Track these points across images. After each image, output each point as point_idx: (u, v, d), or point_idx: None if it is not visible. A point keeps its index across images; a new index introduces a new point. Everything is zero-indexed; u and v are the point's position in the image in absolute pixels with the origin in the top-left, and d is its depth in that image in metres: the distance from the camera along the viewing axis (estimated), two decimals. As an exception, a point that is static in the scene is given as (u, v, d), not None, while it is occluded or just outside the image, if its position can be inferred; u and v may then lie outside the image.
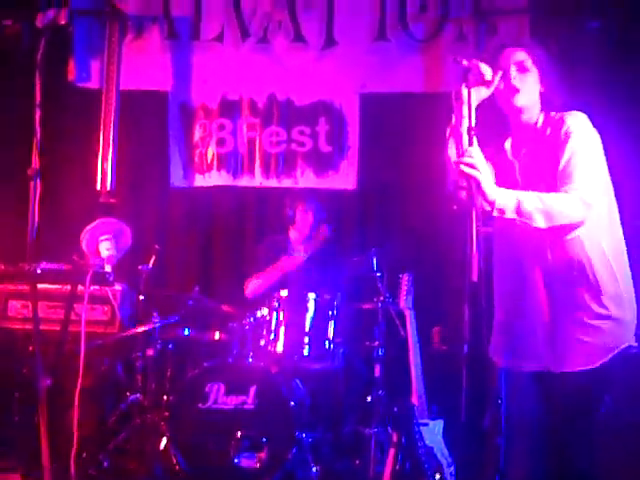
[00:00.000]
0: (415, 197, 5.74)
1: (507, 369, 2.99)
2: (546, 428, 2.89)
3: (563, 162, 2.83)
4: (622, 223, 2.96)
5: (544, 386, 2.92)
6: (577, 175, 2.80)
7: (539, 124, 2.97)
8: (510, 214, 2.74)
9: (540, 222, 2.75)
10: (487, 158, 2.79)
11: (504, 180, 2.94)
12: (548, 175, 2.87)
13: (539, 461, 2.91)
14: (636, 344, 2.88)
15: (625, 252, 2.94)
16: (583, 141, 2.86)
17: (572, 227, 2.83)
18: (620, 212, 2.96)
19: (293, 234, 5.55)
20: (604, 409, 4.27)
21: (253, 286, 5.39)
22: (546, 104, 2.97)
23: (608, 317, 2.82)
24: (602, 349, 2.82)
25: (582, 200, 2.77)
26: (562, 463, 2.85)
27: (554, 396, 2.89)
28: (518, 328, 2.95)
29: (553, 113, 2.95)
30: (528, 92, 2.93)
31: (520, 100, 2.93)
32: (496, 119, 3.00)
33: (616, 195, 2.96)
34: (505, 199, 2.73)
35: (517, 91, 2.91)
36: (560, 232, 2.83)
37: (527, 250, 2.92)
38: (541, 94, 2.97)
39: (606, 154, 2.94)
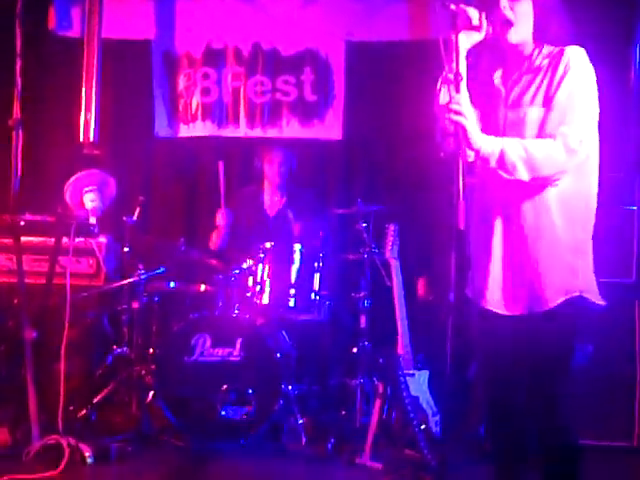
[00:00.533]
0: (401, 146, 5.71)
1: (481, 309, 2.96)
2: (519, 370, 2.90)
3: (558, 99, 2.73)
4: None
5: (512, 329, 2.93)
6: (569, 117, 2.71)
7: (535, 57, 2.84)
8: (493, 163, 2.70)
9: (523, 173, 2.70)
10: (474, 94, 2.74)
11: (488, 110, 2.88)
12: (537, 105, 2.78)
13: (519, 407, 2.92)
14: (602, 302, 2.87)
15: (594, 208, 2.88)
16: (581, 80, 2.75)
17: (551, 180, 2.77)
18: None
19: (266, 185, 5.53)
20: (586, 359, 4.34)
21: (211, 240, 5.46)
22: (541, 34, 2.83)
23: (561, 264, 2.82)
24: (562, 289, 2.81)
25: (566, 146, 2.69)
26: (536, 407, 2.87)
27: (522, 340, 2.90)
28: (481, 270, 2.93)
29: (551, 47, 2.81)
30: (523, 24, 2.80)
31: (514, 35, 2.80)
32: (491, 55, 2.92)
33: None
34: (490, 147, 2.68)
35: (510, 24, 2.78)
36: (536, 188, 2.79)
37: (497, 203, 2.88)
38: (536, 22, 2.82)
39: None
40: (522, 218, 2.82)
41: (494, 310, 2.88)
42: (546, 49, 2.84)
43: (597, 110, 2.80)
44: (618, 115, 4.95)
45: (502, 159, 2.69)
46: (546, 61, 2.81)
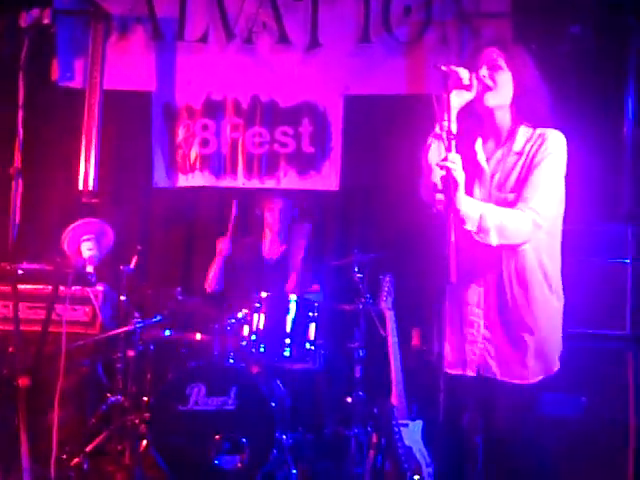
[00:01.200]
0: (397, 198, 5.74)
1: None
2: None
3: (533, 177, 2.86)
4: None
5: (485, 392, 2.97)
6: (539, 195, 2.85)
7: (517, 138, 2.95)
8: (470, 226, 2.78)
9: (493, 239, 2.81)
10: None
11: (471, 179, 2.95)
12: (516, 186, 2.90)
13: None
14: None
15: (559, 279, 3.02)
16: (557, 165, 2.90)
17: (518, 245, 2.89)
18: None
19: (267, 234, 5.57)
20: (580, 411, 4.35)
21: (208, 280, 5.48)
22: (520, 110, 2.96)
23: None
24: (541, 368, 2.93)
25: (535, 222, 2.83)
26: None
27: (497, 404, 2.94)
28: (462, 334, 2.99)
29: (531, 129, 2.94)
30: (500, 91, 2.92)
31: (490, 99, 2.92)
32: (470, 119, 3.00)
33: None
34: (471, 210, 2.77)
35: (488, 89, 2.90)
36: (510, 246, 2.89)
37: (481, 256, 2.95)
38: (516, 99, 2.95)
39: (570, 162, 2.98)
40: (506, 285, 2.93)
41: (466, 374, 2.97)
42: (527, 130, 2.95)
43: (563, 187, 2.95)
44: (611, 168, 5.03)
45: (480, 224, 2.79)
46: (529, 145, 2.93)
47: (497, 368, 2.93)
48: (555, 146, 2.89)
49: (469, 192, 2.92)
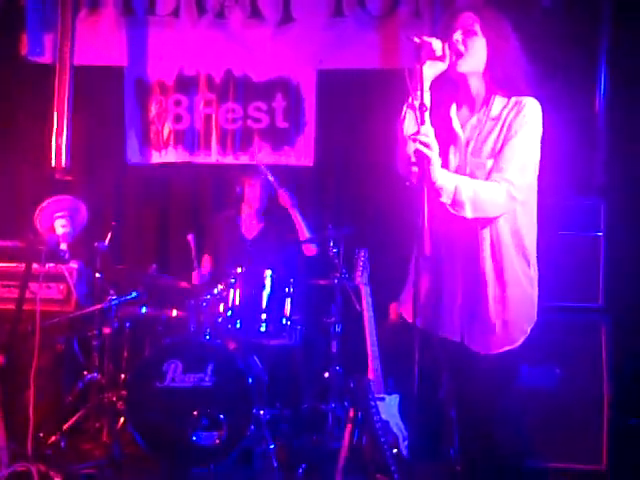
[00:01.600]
0: (371, 173, 5.75)
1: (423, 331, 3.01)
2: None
3: (508, 147, 2.85)
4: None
5: (457, 359, 2.99)
6: (515, 166, 2.84)
7: (493, 105, 2.93)
8: (445, 199, 2.78)
9: (468, 212, 2.80)
10: (434, 126, 2.81)
11: (446, 146, 2.95)
12: (493, 152, 2.89)
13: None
14: None
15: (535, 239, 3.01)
16: (533, 133, 2.88)
17: (490, 220, 2.89)
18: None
19: (245, 209, 5.56)
20: (554, 383, 4.40)
21: (194, 279, 5.43)
22: (498, 81, 2.92)
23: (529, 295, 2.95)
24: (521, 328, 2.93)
25: (509, 193, 2.82)
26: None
27: (470, 373, 2.97)
28: (436, 296, 2.99)
29: (507, 99, 2.92)
30: (472, 57, 2.89)
31: (463, 65, 2.89)
32: (445, 86, 2.99)
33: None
34: (447, 182, 2.76)
35: (460, 55, 2.87)
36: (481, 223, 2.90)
37: (457, 228, 2.94)
38: (490, 66, 2.91)
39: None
40: (482, 250, 2.92)
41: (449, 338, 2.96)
42: (502, 99, 2.93)
43: (539, 156, 2.93)
44: (584, 142, 5.05)
45: (455, 196, 2.78)
46: (505, 111, 2.91)
47: (468, 338, 2.95)
48: (532, 115, 2.87)
49: (444, 159, 2.92)
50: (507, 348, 2.91)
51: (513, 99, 2.91)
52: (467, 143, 2.95)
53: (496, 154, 2.87)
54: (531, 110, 2.88)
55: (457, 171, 2.93)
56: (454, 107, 3.02)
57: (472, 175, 2.90)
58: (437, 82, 2.90)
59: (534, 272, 2.99)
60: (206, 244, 5.56)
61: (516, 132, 2.85)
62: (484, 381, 2.95)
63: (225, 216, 5.61)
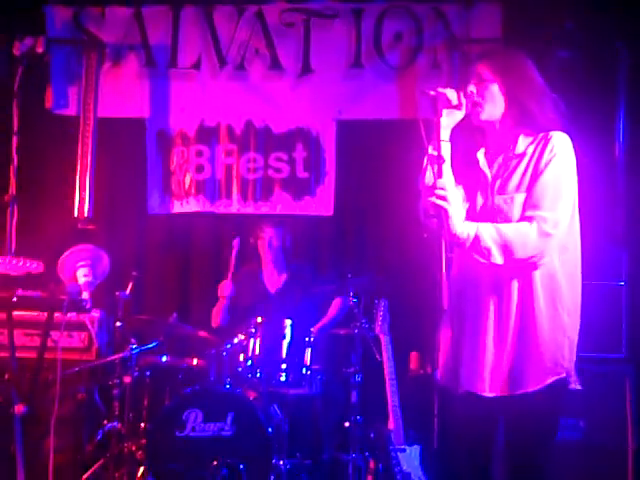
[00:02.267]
0: (390, 223, 5.77)
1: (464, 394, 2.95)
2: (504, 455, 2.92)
3: (540, 183, 2.81)
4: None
5: (497, 410, 2.95)
6: (548, 201, 2.79)
7: (520, 142, 2.92)
8: (468, 247, 2.78)
9: (497, 257, 2.77)
10: (458, 173, 2.82)
11: (473, 190, 2.96)
12: (522, 191, 2.86)
13: None
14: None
15: (579, 286, 2.95)
16: (565, 166, 2.84)
17: (534, 262, 2.82)
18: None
19: (264, 262, 5.58)
20: (579, 435, 4.35)
21: (213, 316, 5.48)
22: (520, 117, 2.91)
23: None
24: (550, 370, 2.86)
25: (540, 230, 2.77)
26: None
27: (508, 419, 2.92)
28: (468, 352, 2.93)
29: (533, 135, 2.90)
30: (490, 104, 2.91)
31: (482, 114, 2.91)
32: (470, 131, 3.01)
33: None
34: (465, 231, 2.76)
35: (478, 105, 2.90)
36: (518, 270, 2.85)
37: (486, 285, 2.91)
38: (509, 108, 2.91)
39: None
40: (511, 301, 2.87)
41: (476, 392, 2.90)
42: (527, 137, 2.92)
43: (576, 193, 2.88)
44: (604, 190, 5.05)
45: (476, 243, 2.77)
46: (532, 147, 2.89)
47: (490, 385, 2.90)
48: (561, 148, 2.83)
49: (471, 202, 2.93)
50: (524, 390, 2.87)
51: (540, 135, 2.88)
52: (493, 181, 2.94)
53: (527, 190, 2.84)
54: (560, 143, 2.84)
55: (482, 209, 2.93)
56: (482, 150, 3.02)
57: (498, 211, 2.88)
58: (463, 128, 2.92)
59: (567, 319, 2.90)
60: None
61: (545, 166, 2.82)
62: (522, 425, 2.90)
63: (247, 270, 5.62)
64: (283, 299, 5.42)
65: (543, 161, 2.83)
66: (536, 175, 2.83)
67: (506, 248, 2.77)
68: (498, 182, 2.93)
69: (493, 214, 2.90)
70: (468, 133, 2.97)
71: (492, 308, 2.90)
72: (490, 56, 3.01)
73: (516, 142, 2.93)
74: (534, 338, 2.85)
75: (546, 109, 2.91)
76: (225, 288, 5.45)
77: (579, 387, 2.92)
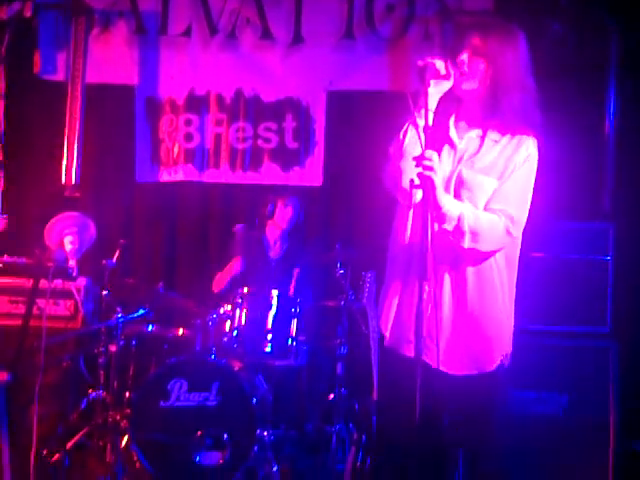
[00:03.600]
0: (379, 194, 5.73)
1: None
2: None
3: (513, 181, 2.85)
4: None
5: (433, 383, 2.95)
6: (515, 200, 2.85)
7: (494, 132, 2.90)
8: (447, 226, 2.77)
9: (466, 242, 2.80)
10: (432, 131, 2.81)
11: (439, 155, 2.91)
12: (493, 177, 2.86)
13: None
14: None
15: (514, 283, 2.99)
16: (532, 172, 2.89)
17: (491, 254, 2.88)
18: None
19: (271, 229, 5.55)
20: (561, 409, 4.37)
21: (218, 281, 5.44)
22: (498, 109, 2.88)
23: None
24: (499, 352, 2.92)
25: (507, 229, 2.83)
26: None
27: (449, 396, 2.93)
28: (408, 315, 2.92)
29: (514, 135, 2.90)
30: (476, 79, 2.88)
31: (466, 84, 2.89)
32: (448, 99, 2.96)
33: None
34: (451, 208, 2.76)
35: (463, 74, 2.87)
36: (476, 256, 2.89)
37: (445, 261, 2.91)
38: (492, 92, 2.88)
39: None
40: (467, 281, 2.90)
41: (428, 363, 2.86)
42: (501, 131, 2.91)
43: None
44: (593, 165, 5.05)
45: (458, 224, 2.78)
46: (505, 139, 2.88)
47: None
48: (533, 153, 2.88)
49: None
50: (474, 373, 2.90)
51: (517, 136, 2.88)
52: (462, 153, 2.93)
53: (498, 178, 2.85)
54: (533, 148, 2.88)
55: (448, 179, 2.90)
56: (453, 118, 2.99)
57: (463, 184, 2.88)
58: (441, 100, 2.89)
59: (510, 303, 2.96)
60: (225, 258, 5.55)
61: (522, 164, 2.86)
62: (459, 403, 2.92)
63: (251, 236, 5.59)
64: (284, 267, 5.40)
65: (519, 157, 2.86)
66: (508, 171, 2.85)
67: (476, 237, 2.79)
68: (466, 155, 2.92)
69: (458, 185, 2.89)
70: (444, 97, 2.93)
71: (448, 282, 2.91)
72: (487, 30, 2.93)
73: (491, 126, 2.91)
74: (489, 320, 2.89)
75: (527, 105, 2.88)
76: (236, 266, 5.43)
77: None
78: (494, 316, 2.91)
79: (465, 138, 2.95)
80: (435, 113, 2.80)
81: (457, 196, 2.87)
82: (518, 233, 2.88)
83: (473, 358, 2.90)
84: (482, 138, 2.93)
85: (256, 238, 5.57)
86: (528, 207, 2.91)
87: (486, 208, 2.86)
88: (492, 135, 2.92)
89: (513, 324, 2.99)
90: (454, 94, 2.94)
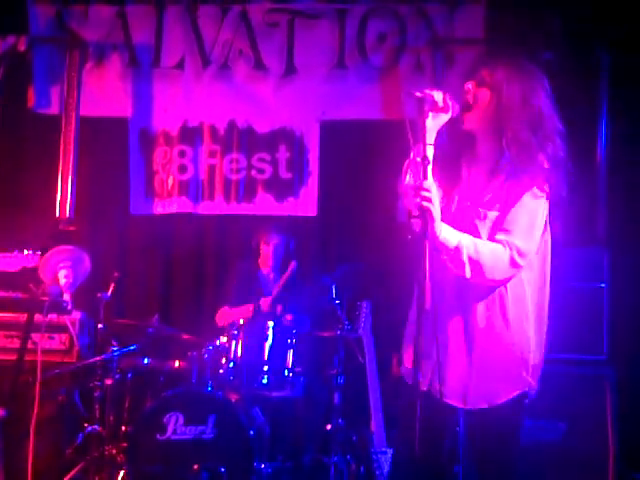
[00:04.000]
0: (374, 224, 5.76)
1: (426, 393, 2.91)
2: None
3: (517, 211, 2.82)
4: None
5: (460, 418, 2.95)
6: (521, 228, 2.81)
7: (501, 162, 2.89)
8: (445, 256, 2.77)
9: (467, 272, 2.78)
10: (438, 171, 2.80)
11: (451, 190, 2.93)
12: (495, 209, 2.86)
13: None
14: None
15: (547, 301, 2.96)
16: (540, 204, 2.83)
17: (500, 284, 2.85)
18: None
19: (262, 263, 5.57)
20: (559, 436, 4.35)
21: (225, 316, 5.40)
22: (506, 142, 2.87)
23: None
24: (514, 384, 2.87)
25: (513, 259, 2.78)
26: None
27: (471, 431, 2.92)
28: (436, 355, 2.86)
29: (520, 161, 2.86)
30: (478, 110, 2.89)
31: (467, 122, 2.90)
32: (456, 135, 2.96)
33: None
34: (448, 237, 2.75)
35: (469, 109, 2.89)
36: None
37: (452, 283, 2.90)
38: (499, 125, 2.87)
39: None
40: (477, 314, 2.87)
41: (447, 401, 2.87)
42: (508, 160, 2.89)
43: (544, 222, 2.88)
44: (585, 192, 5.06)
45: (456, 254, 2.76)
46: (513, 171, 2.85)
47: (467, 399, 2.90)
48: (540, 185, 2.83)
49: (447, 202, 2.91)
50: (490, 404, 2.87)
51: (523, 169, 2.84)
52: (472, 188, 2.94)
53: (500, 209, 2.85)
54: (541, 182, 2.83)
55: (457, 212, 2.91)
56: (464, 156, 3.01)
57: (472, 218, 2.88)
58: (450, 132, 2.90)
59: (533, 334, 2.91)
60: (222, 292, 5.54)
61: (523, 194, 2.82)
62: (483, 436, 2.91)
63: (244, 267, 5.59)
64: (277, 300, 5.39)
65: (524, 190, 2.82)
66: (512, 198, 2.83)
67: (478, 267, 2.77)
68: (475, 190, 2.92)
69: (467, 219, 2.89)
70: (453, 132, 2.94)
71: (460, 317, 2.89)
72: (496, 63, 2.94)
73: (497, 160, 2.91)
74: (501, 352, 2.86)
75: (528, 141, 2.83)
76: (249, 312, 5.31)
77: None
78: (504, 348, 2.86)
79: (473, 175, 2.96)
80: (442, 148, 2.81)
81: (469, 231, 2.85)
82: (525, 262, 2.81)
83: (483, 392, 2.87)
84: (489, 172, 2.93)
85: (252, 272, 5.57)
86: (538, 238, 2.86)
87: (492, 239, 2.84)
88: (499, 166, 2.91)
89: (539, 356, 2.93)
90: (461, 130, 2.95)
